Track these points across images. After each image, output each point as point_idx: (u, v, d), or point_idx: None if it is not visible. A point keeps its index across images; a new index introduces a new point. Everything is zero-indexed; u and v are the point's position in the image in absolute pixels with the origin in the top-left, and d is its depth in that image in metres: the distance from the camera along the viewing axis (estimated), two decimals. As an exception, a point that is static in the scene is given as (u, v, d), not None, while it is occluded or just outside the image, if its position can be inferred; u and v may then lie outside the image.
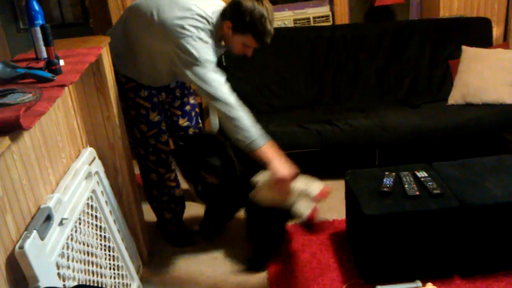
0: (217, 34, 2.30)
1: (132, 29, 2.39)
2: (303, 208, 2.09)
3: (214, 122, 3.42)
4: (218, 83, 2.17)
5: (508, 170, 2.47)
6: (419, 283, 2.30)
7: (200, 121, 2.87)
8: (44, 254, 1.56)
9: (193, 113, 2.76)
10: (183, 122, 2.70)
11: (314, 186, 2.13)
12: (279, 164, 2.07)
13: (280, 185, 2.09)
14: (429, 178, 2.41)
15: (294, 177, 2.08)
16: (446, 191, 2.32)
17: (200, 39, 2.19)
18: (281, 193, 2.12)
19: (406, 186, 2.36)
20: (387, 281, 2.32)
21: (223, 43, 2.38)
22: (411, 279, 2.32)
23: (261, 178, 2.18)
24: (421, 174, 2.46)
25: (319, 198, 2.13)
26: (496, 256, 2.33)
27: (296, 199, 2.12)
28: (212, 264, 2.62)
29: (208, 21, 2.24)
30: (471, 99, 3.43)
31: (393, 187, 2.37)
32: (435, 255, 2.31)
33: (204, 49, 2.19)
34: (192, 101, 2.75)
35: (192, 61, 2.17)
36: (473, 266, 2.35)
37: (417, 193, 2.30)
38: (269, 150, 2.10)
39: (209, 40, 2.23)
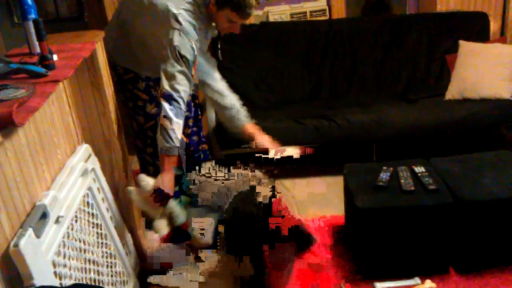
0: (207, 15, 2.31)
1: (126, 17, 2.42)
2: (162, 228, 2.24)
3: (210, 117, 3.40)
4: (178, 84, 2.16)
5: (506, 166, 2.47)
6: (418, 280, 2.30)
7: (200, 113, 2.86)
8: (40, 252, 1.54)
9: (192, 104, 2.76)
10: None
11: (181, 217, 2.27)
12: (168, 179, 2.18)
13: (155, 196, 2.18)
14: (426, 174, 2.40)
15: (168, 198, 2.20)
16: (442, 187, 2.31)
17: (187, 34, 2.19)
18: (152, 202, 2.20)
19: (402, 181, 2.36)
20: (385, 277, 2.32)
21: (214, 24, 2.40)
22: (408, 275, 2.33)
23: (148, 180, 2.24)
24: (419, 169, 2.45)
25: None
26: (494, 252, 2.33)
27: (161, 217, 2.26)
28: (209, 258, 2.60)
29: (198, 5, 2.25)
30: (468, 94, 3.43)
31: (389, 182, 2.37)
32: (432, 250, 2.31)
33: (186, 46, 2.18)
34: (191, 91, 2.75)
35: (170, 54, 2.17)
36: (470, 262, 2.35)
37: (412, 188, 2.30)
38: (171, 163, 2.19)
39: (196, 36, 2.23)
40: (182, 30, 2.18)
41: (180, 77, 2.16)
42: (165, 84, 2.16)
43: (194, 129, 2.84)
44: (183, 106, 2.18)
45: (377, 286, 2.27)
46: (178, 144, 2.19)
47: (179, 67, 2.16)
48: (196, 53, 2.25)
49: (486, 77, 3.41)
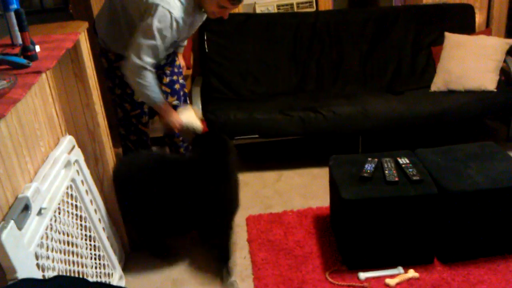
0: (195, 1, 2.33)
1: (118, 2, 2.41)
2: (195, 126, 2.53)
3: (197, 108, 3.39)
4: (146, 56, 2.28)
5: (490, 157, 2.49)
6: (401, 270, 2.33)
7: (188, 102, 2.87)
8: (22, 244, 1.53)
9: (181, 93, 2.77)
10: (172, 100, 2.71)
11: (197, 124, 2.52)
12: (172, 116, 2.45)
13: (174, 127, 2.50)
14: (410, 165, 2.42)
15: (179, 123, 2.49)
16: (426, 178, 2.33)
17: (171, 11, 2.24)
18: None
19: (386, 172, 2.37)
20: (369, 267, 2.34)
21: (202, 10, 2.42)
22: (393, 265, 2.35)
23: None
24: (403, 160, 2.46)
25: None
26: (478, 242, 2.35)
27: (185, 129, 2.52)
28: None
29: None
30: (453, 86, 3.45)
31: (374, 173, 2.38)
32: (416, 241, 2.33)
33: (166, 24, 2.25)
34: (181, 80, 2.77)
35: (146, 32, 2.24)
36: (453, 252, 2.37)
37: (396, 179, 2.31)
38: (165, 107, 2.44)
39: (179, 23, 2.28)
40: (167, 7, 2.21)
41: (148, 51, 2.26)
42: (133, 54, 2.26)
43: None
44: (149, 76, 2.31)
45: (361, 276, 2.29)
46: (158, 96, 2.38)
47: (152, 42, 2.24)
48: (176, 32, 2.31)
49: (471, 69, 3.43)
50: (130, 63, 2.27)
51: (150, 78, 2.31)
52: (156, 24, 2.21)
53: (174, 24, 2.25)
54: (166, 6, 2.21)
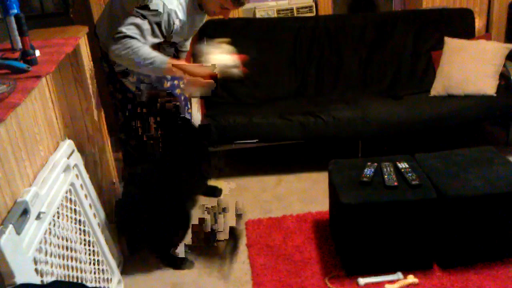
0: (196, 2, 2.34)
1: (117, 6, 2.40)
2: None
3: (196, 114, 3.40)
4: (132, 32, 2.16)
5: (490, 162, 2.49)
6: (400, 275, 2.32)
7: (189, 106, 2.87)
8: (20, 249, 1.53)
9: (182, 97, 2.77)
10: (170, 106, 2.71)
11: (231, 61, 2.29)
12: (193, 68, 2.21)
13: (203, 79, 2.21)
14: (410, 169, 2.42)
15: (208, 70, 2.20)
16: (425, 182, 2.33)
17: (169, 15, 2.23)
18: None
19: (385, 176, 2.37)
20: (368, 272, 2.33)
21: (204, 10, 2.41)
22: (392, 270, 2.34)
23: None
24: (402, 165, 2.46)
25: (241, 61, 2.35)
26: (477, 247, 2.35)
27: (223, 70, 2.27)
28: (194, 257, 2.60)
29: None
30: (453, 90, 3.45)
31: (373, 177, 2.38)
32: (415, 246, 2.32)
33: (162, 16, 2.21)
34: (182, 85, 2.76)
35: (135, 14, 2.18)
36: (453, 258, 2.37)
37: (396, 183, 2.31)
38: (174, 68, 2.19)
39: (171, 17, 2.25)
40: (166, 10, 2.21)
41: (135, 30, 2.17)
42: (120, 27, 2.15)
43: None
44: (135, 42, 2.16)
45: (360, 282, 2.29)
46: (159, 58, 2.16)
47: (140, 21, 2.17)
48: (167, 27, 2.27)
49: (471, 74, 3.43)
50: (117, 37, 2.15)
51: (138, 43, 2.15)
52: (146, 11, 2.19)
53: (165, 16, 2.25)
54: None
